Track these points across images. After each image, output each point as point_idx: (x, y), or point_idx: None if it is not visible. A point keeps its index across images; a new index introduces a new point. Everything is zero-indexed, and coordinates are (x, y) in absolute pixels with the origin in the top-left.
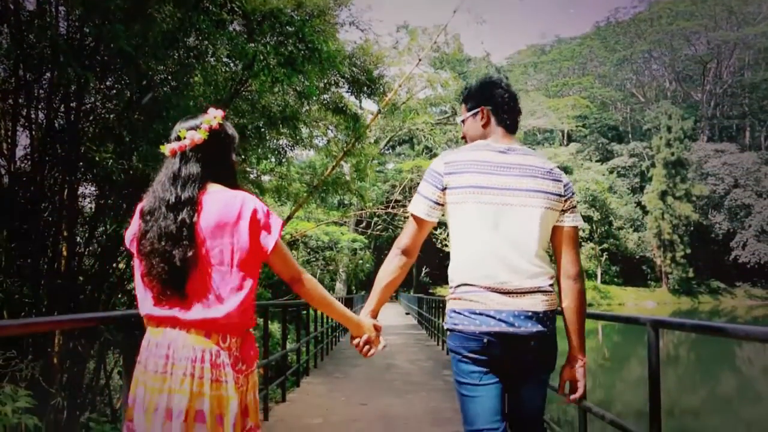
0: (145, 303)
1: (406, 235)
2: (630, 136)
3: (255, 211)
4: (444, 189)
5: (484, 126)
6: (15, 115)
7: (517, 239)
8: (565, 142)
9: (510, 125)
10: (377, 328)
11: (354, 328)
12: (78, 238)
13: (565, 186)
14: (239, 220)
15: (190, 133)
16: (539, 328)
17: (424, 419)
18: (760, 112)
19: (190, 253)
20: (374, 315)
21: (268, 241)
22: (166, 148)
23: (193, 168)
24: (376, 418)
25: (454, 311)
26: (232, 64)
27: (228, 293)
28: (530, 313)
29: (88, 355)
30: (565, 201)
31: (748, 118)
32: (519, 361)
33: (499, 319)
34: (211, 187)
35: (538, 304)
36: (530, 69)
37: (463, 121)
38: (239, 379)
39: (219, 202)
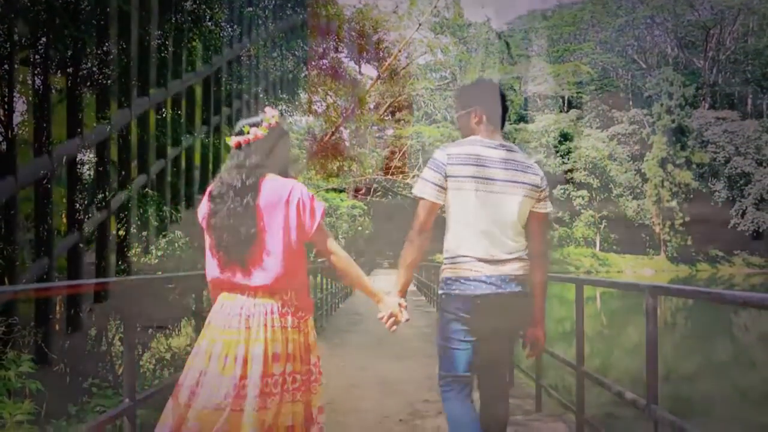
0: (213, 270)
1: (419, 218)
2: (631, 102)
3: (301, 197)
4: (446, 176)
5: (477, 123)
6: (11, 81)
7: (502, 220)
8: (566, 109)
9: (499, 123)
10: (401, 306)
11: (381, 304)
12: (77, 205)
13: (541, 178)
14: (288, 203)
15: (253, 129)
16: (520, 288)
17: (422, 384)
18: (762, 79)
19: (252, 230)
20: (402, 293)
21: (312, 222)
22: (232, 141)
23: (255, 158)
24: (375, 383)
25: (450, 279)
26: (230, 29)
27: (281, 262)
28: (513, 276)
29: (89, 322)
30: (541, 192)
31: (751, 85)
32: (502, 318)
33: (490, 283)
34: (269, 174)
35: (517, 269)
36: (531, 34)
37: (458, 117)
38: (300, 324)
39: (274, 188)
